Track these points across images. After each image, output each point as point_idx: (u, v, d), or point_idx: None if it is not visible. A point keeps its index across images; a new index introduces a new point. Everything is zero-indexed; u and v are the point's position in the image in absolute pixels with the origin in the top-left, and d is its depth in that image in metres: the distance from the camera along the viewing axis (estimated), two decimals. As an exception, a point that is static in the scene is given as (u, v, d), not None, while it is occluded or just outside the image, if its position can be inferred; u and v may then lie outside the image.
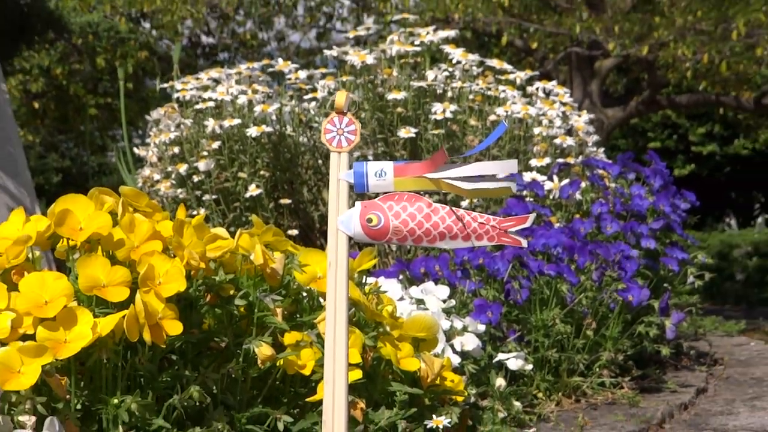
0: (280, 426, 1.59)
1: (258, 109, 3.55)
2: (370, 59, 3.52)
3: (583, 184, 3.17)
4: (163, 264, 1.52)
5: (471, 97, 3.58)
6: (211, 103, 3.63)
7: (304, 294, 1.80)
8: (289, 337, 1.67)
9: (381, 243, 1.40)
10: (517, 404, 2.31)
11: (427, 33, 3.70)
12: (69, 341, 1.42)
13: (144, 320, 1.46)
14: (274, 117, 3.60)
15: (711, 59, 9.89)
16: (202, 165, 3.49)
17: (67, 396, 1.47)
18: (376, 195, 1.33)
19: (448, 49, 3.69)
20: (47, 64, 11.92)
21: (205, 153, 3.53)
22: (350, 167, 1.33)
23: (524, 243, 1.34)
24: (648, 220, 3.10)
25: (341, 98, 1.34)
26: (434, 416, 1.81)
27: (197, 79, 3.82)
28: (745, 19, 9.66)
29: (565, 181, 3.19)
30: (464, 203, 3.17)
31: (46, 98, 12.91)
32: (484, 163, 1.33)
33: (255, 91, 3.62)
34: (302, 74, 3.73)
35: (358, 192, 1.32)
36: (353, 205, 1.33)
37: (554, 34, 10.57)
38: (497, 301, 2.52)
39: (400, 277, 2.63)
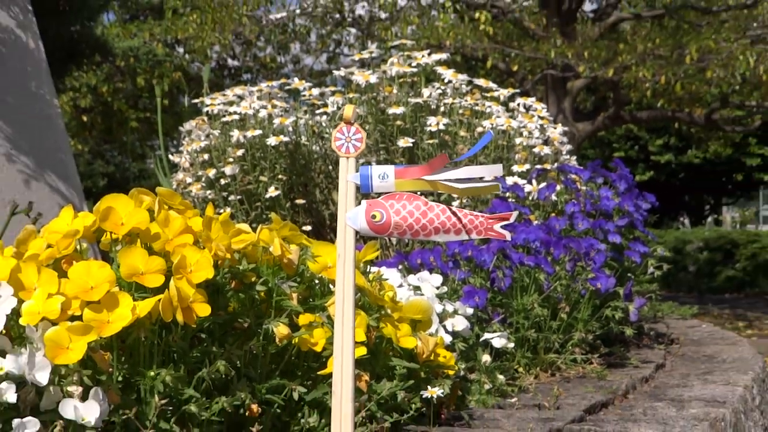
0: (295, 395, 1.59)
1: (277, 121, 3.54)
2: (373, 79, 3.52)
3: (558, 187, 3.16)
4: (194, 254, 1.51)
5: (461, 111, 3.57)
6: (236, 116, 3.62)
7: (316, 281, 1.79)
8: (303, 319, 1.66)
9: (383, 237, 1.39)
10: (501, 377, 2.30)
11: (423, 56, 3.70)
12: (111, 321, 1.41)
13: (177, 303, 1.45)
14: (290, 128, 3.59)
15: (668, 80, 9.91)
16: (228, 170, 3.49)
17: (110, 369, 1.46)
18: (379, 195, 1.33)
19: (440, 70, 3.68)
20: (94, 83, 11.94)
21: (231, 159, 3.52)
22: (357, 171, 1.32)
23: (509, 236, 1.33)
24: (614, 218, 3.09)
25: (349, 111, 1.33)
26: (429, 387, 1.80)
27: (224, 95, 3.81)
28: (697, 46, 9.68)
29: (543, 185, 3.18)
30: (455, 203, 3.16)
31: (93, 113, 12.94)
32: (473, 167, 1.33)
33: (274, 106, 3.61)
34: (315, 92, 3.72)
35: (364, 192, 1.32)
36: (359, 203, 1.32)
37: (532, 59, 10.58)
38: (483, 288, 2.51)
39: (399, 266, 2.62)
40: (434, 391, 1.79)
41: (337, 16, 11.29)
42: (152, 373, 1.45)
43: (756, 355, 3.16)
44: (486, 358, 2.29)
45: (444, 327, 2.21)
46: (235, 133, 3.52)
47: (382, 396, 1.73)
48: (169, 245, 1.55)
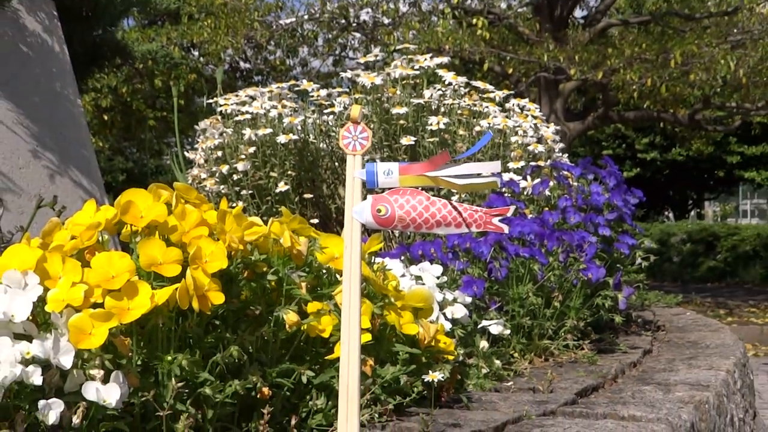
0: (304, 379, 1.58)
1: (286, 120, 3.54)
2: (377, 81, 3.51)
3: (551, 183, 3.15)
4: (209, 246, 1.51)
5: (460, 111, 3.56)
6: (248, 116, 3.61)
7: (324, 271, 1.78)
8: (312, 307, 1.66)
9: (387, 229, 1.39)
10: (497, 362, 2.29)
11: (425, 59, 3.69)
12: (131, 309, 1.40)
13: (193, 292, 1.45)
14: (299, 127, 3.58)
15: (653, 83, 9.90)
16: (240, 166, 3.48)
17: (130, 354, 1.46)
18: (383, 190, 1.32)
19: (441, 72, 3.67)
20: (115, 84, 11.94)
21: (243, 156, 3.51)
22: (363, 167, 1.31)
23: (506, 229, 1.33)
24: (604, 212, 3.08)
25: (356, 111, 1.32)
26: (430, 372, 1.80)
27: (237, 96, 3.81)
28: (681, 50, 9.66)
29: (537, 181, 3.18)
30: (454, 198, 3.15)
31: (114, 112, 12.94)
32: (473, 163, 1.32)
33: (284, 106, 3.61)
34: (323, 92, 3.71)
35: (369, 187, 1.31)
36: (365, 198, 1.32)
37: (526, 62, 10.57)
38: (481, 278, 2.50)
39: (402, 257, 2.61)
40: (435, 375, 1.78)
41: (343, 21, 11.28)
42: (169, 358, 1.45)
43: (737, 341, 3.15)
44: (483, 344, 2.28)
45: (444, 315, 2.20)
46: (247, 132, 3.52)
47: (385, 380, 1.73)
48: (185, 237, 1.54)
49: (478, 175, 1.32)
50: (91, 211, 1.57)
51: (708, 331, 3.41)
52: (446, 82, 3.66)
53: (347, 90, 3.79)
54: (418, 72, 3.64)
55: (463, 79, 3.72)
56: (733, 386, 2.54)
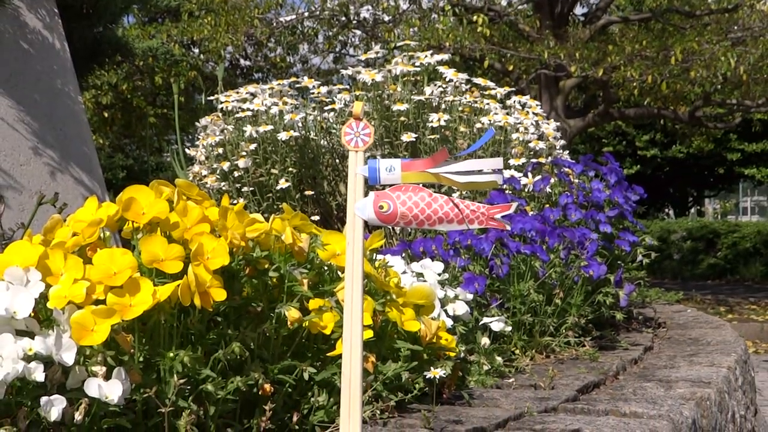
0: (306, 376, 1.58)
1: (287, 117, 3.54)
2: (378, 77, 3.51)
3: (552, 180, 3.15)
4: (211, 242, 1.51)
5: (461, 108, 3.56)
6: (249, 113, 3.61)
7: (326, 268, 1.78)
8: (313, 303, 1.66)
9: (389, 226, 1.38)
10: (499, 359, 2.30)
11: (425, 56, 3.69)
12: (133, 305, 1.40)
13: (195, 288, 1.45)
14: (300, 124, 3.58)
15: (654, 80, 9.89)
16: (241, 163, 3.48)
17: (132, 350, 1.46)
18: (384, 187, 1.32)
19: (442, 69, 3.67)
20: (115, 81, 11.94)
21: (244, 153, 3.51)
22: (365, 164, 1.31)
23: (508, 226, 1.33)
24: (605, 209, 3.08)
25: (358, 107, 1.32)
26: (432, 368, 1.80)
27: (237, 93, 3.81)
28: (681, 48, 9.65)
29: (538, 177, 3.17)
30: (455, 194, 3.15)
31: (114, 109, 12.93)
32: (475, 160, 1.32)
33: (285, 103, 3.60)
34: (323, 89, 3.71)
35: (371, 184, 1.31)
36: (367, 195, 1.31)
37: (527, 59, 10.56)
38: (482, 274, 2.51)
39: (403, 254, 2.61)
40: (436, 372, 1.78)
41: (343, 18, 11.26)
42: (171, 354, 1.45)
43: (738, 338, 3.15)
44: (485, 340, 2.28)
45: (445, 311, 2.20)
46: (248, 129, 3.52)
47: (387, 376, 1.73)
48: (187, 234, 1.54)
49: (480, 173, 1.32)
50: (93, 207, 1.57)
51: (709, 328, 3.41)
52: (447, 79, 3.66)
53: (348, 87, 3.79)
54: (418, 69, 3.64)
55: (463, 76, 3.72)
56: (734, 383, 2.54)
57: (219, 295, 1.49)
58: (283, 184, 3.42)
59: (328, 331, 1.65)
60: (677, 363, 2.58)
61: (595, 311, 2.78)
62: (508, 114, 3.65)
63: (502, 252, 2.63)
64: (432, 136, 3.42)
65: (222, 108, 3.75)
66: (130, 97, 12.64)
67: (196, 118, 4.10)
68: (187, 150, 3.95)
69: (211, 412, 1.49)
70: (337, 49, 12.86)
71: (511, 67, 10.57)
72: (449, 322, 2.15)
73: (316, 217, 3.44)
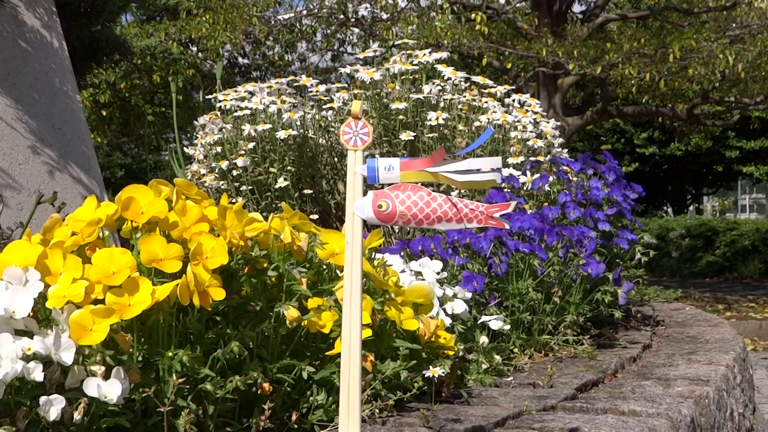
0: (305, 375, 1.58)
1: (285, 116, 3.53)
2: (377, 76, 3.51)
3: (551, 178, 3.15)
4: (210, 242, 1.51)
5: (459, 106, 3.56)
6: (247, 111, 3.61)
7: (324, 267, 1.78)
8: (312, 302, 1.66)
9: (388, 225, 1.39)
10: (497, 357, 2.30)
11: (424, 54, 3.68)
12: (132, 305, 1.40)
13: (194, 288, 1.45)
14: (298, 123, 3.58)
15: (652, 77, 9.89)
16: (239, 162, 3.48)
17: (130, 349, 1.46)
18: (383, 185, 1.32)
19: (440, 67, 3.67)
20: (113, 79, 11.93)
21: (243, 152, 3.51)
22: (364, 163, 1.31)
23: (507, 225, 1.33)
24: (604, 207, 3.08)
25: (357, 106, 1.32)
26: (430, 367, 1.80)
27: (236, 91, 3.80)
28: (679, 45, 9.66)
29: (536, 176, 3.17)
30: (453, 193, 3.15)
31: (112, 108, 12.93)
32: (474, 159, 1.32)
33: (283, 102, 3.60)
34: (321, 88, 3.71)
35: (370, 183, 1.31)
36: (366, 193, 1.31)
37: (525, 57, 10.57)
38: (481, 273, 2.51)
39: (402, 253, 2.61)
40: (435, 371, 1.79)
41: (341, 16, 11.25)
42: (170, 354, 1.45)
43: (736, 336, 3.15)
44: (484, 339, 2.29)
45: (444, 310, 2.20)
46: (247, 127, 3.51)
47: (386, 375, 1.73)
48: (186, 233, 1.54)
49: (479, 171, 1.32)
50: (92, 207, 1.57)
51: (707, 326, 3.41)
52: (445, 78, 3.66)
53: (346, 85, 3.79)
54: (417, 67, 3.64)
55: (462, 74, 3.72)
56: (732, 381, 2.54)
57: (218, 294, 1.49)
58: (281, 182, 3.42)
59: (326, 330, 1.65)
60: (676, 361, 2.58)
61: (593, 309, 2.78)
62: (507, 112, 3.65)
63: (501, 250, 2.63)
64: (430, 135, 3.42)
65: (220, 106, 3.75)
66: (128, 96, 12.64)
67: (195, 117, 4.10)
68: (185, 148, 3.95)
69: (210, 411, 1.49)
70: (336, 48, 12.86)
71: (509, 65, 10.57)
72: (448, 321, 2.15)
73: (315, 216, 3.44)
